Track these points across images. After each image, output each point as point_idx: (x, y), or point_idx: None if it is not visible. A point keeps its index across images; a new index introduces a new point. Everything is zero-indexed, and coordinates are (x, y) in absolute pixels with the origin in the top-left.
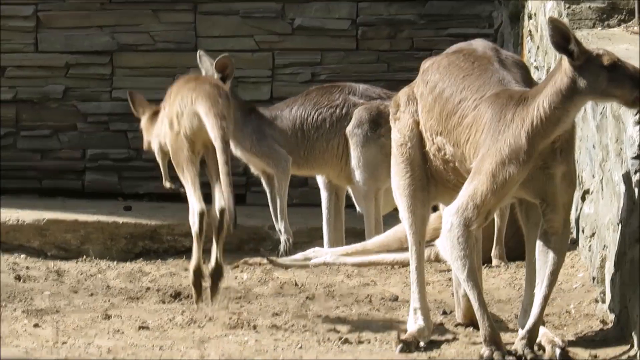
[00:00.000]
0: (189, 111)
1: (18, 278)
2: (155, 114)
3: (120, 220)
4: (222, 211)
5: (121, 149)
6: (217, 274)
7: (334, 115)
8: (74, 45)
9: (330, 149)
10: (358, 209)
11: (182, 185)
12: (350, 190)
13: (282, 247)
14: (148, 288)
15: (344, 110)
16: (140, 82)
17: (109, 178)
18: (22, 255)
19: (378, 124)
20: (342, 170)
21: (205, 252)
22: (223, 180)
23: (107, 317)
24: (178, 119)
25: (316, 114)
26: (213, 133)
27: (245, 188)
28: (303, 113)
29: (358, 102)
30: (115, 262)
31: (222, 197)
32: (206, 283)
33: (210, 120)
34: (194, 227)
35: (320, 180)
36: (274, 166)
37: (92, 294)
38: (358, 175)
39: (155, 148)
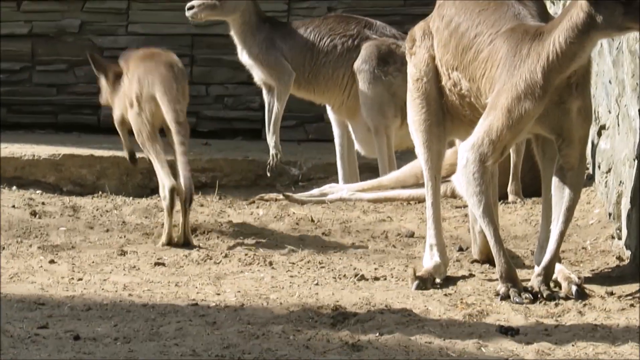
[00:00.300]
0: (147, 95)
1: (34, 214)
2: (115, 75)
3: (136, 155)
4: (190, 190)
5: None
6: (186, 244)
7: (345, 45)
8: None
9: (335, 77)
10: (356, 146)
11: (133, 161)
12: (350, 127)
13: (269, 161)
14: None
15: (355, 42)
16: (155, 17)
17: None
18: (38, 191)
19: (386, 62)
20: (343, 104)
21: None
22: (180, 160)
23: (123, 253)
24: (138, 101)
25: (329, 39)
26: (168, 117)
27: (261, 123)
28: (317, 35)
29: (371, 37)
30: (130, 198)
31: (177, 162)
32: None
33: (165, 105)
34: (165, 202)
35: (332, 116)
36: (277, 78)
37: (107, 230)
38: (365, 111)
39: (115, 116)
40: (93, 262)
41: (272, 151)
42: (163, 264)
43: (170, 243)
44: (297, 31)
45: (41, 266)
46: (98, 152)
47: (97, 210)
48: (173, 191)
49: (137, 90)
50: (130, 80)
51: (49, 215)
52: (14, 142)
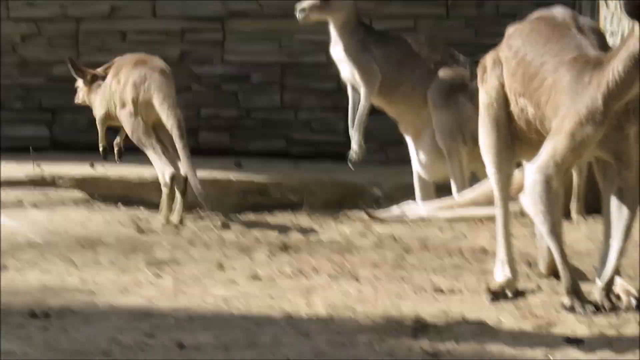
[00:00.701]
0: (144, 100)
1: (140, 231)
2: (92, 78)
3: (232, 176)
4: (185, 177)
5: (232, 109)
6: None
7: (427, 68)
8: (189, 12)
9: (411, 95)
10: (418, 168)
11: (105, 155)
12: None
13: (351, 154)
14: (259, 241)
15: (436, 67)
16: (249, 47)
17: (221, 136)
18: (144, 210)
19: (459, 90)
20: (412, 122)
21: None
22: (185, 162)
23: (221, 267)
24: (134, 104)
25: (415, 58)
26: (169, 123)
27: (346, 146)
28: (406, 52)
29: (450, 65)
30: (227, 216)
31: (184, 166)
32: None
33: (165, 112)
34: (166, 188)
35: (409, 138)
36: (365, 79)
37: (207, 246)
38: (437, 135)
39: (98, 115)
40: (194, 276)
41: (355, 146)
42: (258, 278)
43: (167, 222)
44: (390, 42)
45: (147, 280)
46: (198, 173)
47: (198, 228)
48: (173, 178)
49: (133, 95)
50: (124, 84)
51: (154, 233)
52: (122, 164)
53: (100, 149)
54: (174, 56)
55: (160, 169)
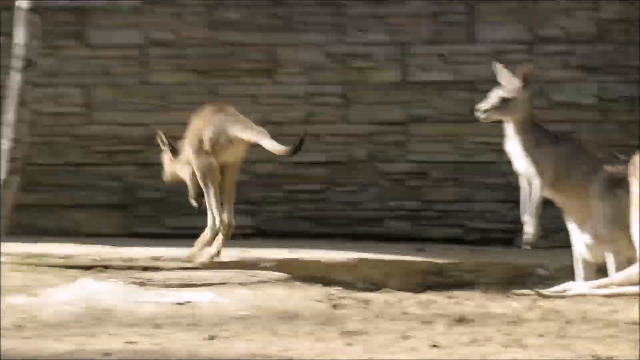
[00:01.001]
0: (224, 137)
1: (334, 306)
2: (172, 151)
3: (415, 259)
4: (230, 224)
5: (414, 201)
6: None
7: (594, 166)
8: (376, 118)
9: (577, 188)
10: (582, 250)
11: (201, 206)
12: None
13: (526, 237)
14: (438, 314)
15: (601, 165)
16: (429, 147)
17: (405, 225)
18: (337, 287)
19: (617, 185)
20: (578, 210)
21: None
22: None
23: (405, 337)
24: (212, 144)
25: (585, 158)
26: (258, 137)
27: (514, 233)
28: (577, 153)
29: (612, 164)
30: (410, 293)
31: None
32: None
33: (248, 132)
34: (210, 232)
35: (572, 225)
36: (539, 173)
37: (392, 319)
38: (599, 224)
39: (186, 173)
40: (382, 345)
41: (530, 230)
42: (438, 346)
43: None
44: (561, 140)
45: (340, 348)
46: (385, 257)
47: (384, 303)
48: (222, 225)
49: (212, 135)
50: (201, 129)
51: (345, 307)
52: (317, 248)
53: (194, 203)
54: (363, 155)
55: (215, 215)
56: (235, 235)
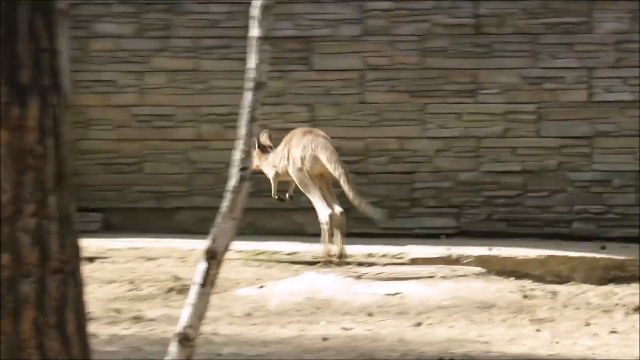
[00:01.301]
0: (311, 157)
1: (525, 297)
2: (262, 149)
3: (598, 255)
4: (342, 212)
5: (598, 205)
6: (341, 255)
7: None
8: (565, 132)
9: None
10: None
11: (281, 199)
12: None
13: None
14: (617, 304)
15: None
16: (611, 158)
17: (589, 226)
18: (528, 281)
19: None
20: None
21: None
22: (352, 197)
23: (588, 324)
24: (302, 161)
25: None
26: (336, 174)
27: None
28: None
29: None
30: (593, 286)
31: (337, 204)
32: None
33: (332, 165)
34: (327, 226)
35: None
36: None
37: (577, 308)
38: None
39: (271, 173)
40: (566, 330)
41: None
42: (616, 332)
43: (329, 253)
44: None
45: (530, 334)
46: (571, 254)
47: (569, 294)
48: (332, 217)
49: (302, 154)
50: (295, 147)
51: (535, 298)
52: (512, 246)
53: (276, 198)
54: (553, 165)
55: (320, 211)
56: (440, 235)
